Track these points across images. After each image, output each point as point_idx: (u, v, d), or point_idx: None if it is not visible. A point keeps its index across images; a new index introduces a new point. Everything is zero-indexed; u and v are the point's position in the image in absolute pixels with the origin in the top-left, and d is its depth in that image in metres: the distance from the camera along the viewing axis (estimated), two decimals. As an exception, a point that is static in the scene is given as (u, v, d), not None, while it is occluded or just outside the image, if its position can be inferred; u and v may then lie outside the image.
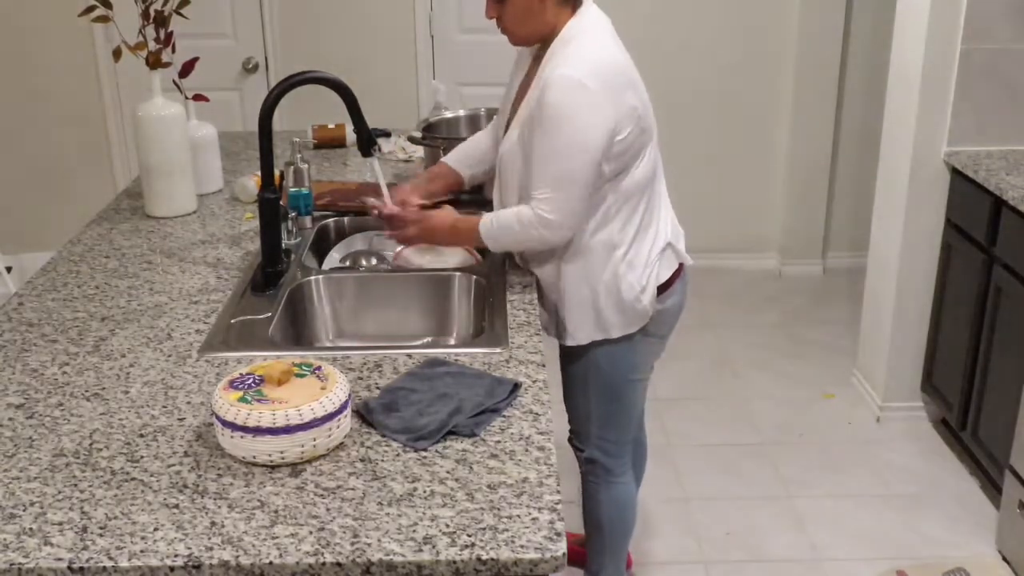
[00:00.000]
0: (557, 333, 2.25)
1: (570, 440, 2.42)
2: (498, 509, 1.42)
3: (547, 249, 2.12)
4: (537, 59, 2.11)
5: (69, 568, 1.31)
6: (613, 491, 2.39)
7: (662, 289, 2.19)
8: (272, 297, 2.13)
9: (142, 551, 1.33)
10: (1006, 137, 3.22)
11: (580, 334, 2.19)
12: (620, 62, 2.05)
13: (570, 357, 2.28)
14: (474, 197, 2.53)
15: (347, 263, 2.43)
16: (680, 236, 2.28)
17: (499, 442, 1.59)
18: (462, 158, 2.40)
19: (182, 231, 2.56)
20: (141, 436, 1.61)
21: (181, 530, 1.38)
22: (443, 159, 2.44)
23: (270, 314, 2.06)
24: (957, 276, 3.25)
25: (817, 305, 4.54)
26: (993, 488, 3.12)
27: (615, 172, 2.05)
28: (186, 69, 2.65)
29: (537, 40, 2.09)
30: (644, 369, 2.29)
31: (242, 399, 1.52)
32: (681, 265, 2.26)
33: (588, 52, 2.00)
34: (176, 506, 1.43)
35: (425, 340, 2.22)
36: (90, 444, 1.59)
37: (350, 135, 3.27)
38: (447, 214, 2.22)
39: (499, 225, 2.11)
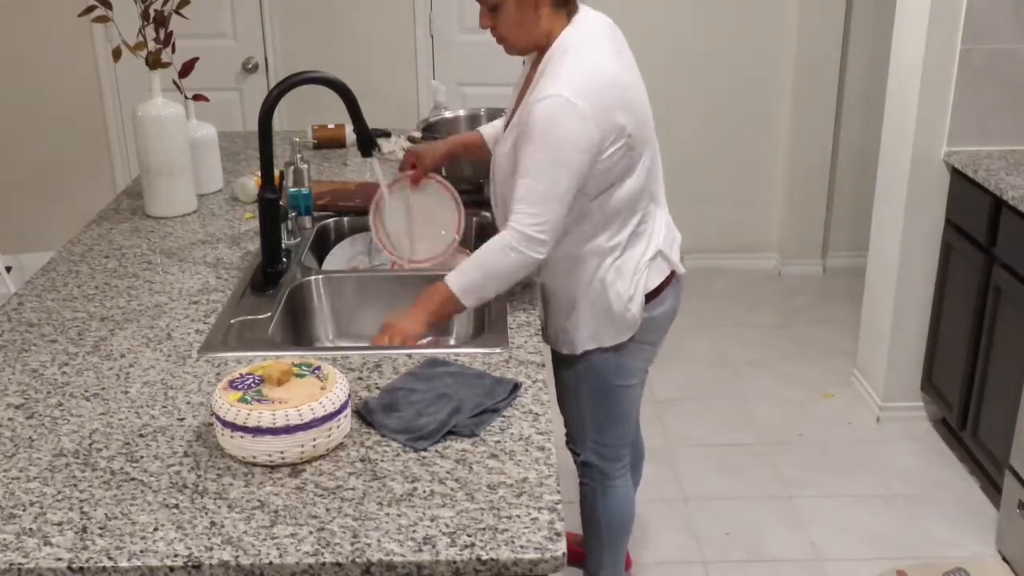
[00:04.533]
0: (550, 340, 2.25)
1: (567, 444, 2.41)
2: (498, 509, 1.42)
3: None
4: (535, 66, 2.08)
5: (69, 568, 1.31)
6: (610, 494, 2.38)
7: (651, 297, 2.17)
8: (272, 297, 2.13)
9: (142, 551, 1.33)
10: (1006, 137, 3.22)
11: (572, 343, 2.19)
12: (614, 77, 1.99)
13: (562, 363, 2.27)
14: (473, 198, 2.52)
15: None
16: (675, 242, 2.24)
17: (499, 442, 1.59)
18: (495, 136, 2.32)
19: (182, 231, 2.56)
20: (141, 436, 1.61)
21: (181, 530, 1.38)
22: (480, 128, 2.39)
23: (270, 314, 2.06)
24: (957, 276, 3.24)
25: (817, 305, 4.54)
26: (993, 488, 3.12)
27: (599, 190, 2.01)
28: (186, 69, 2.65)
29: (533, 48, 2.06)
30: (636, 375, 2.28)
31: (242, 399, 1.52)
32: (673, 272, 2.22)
33: (581, 68, 1.95)
34: (176, 506, 1.43)
35: (425, 340, 2.22)
36: (90, 444, 1.59)
37: (350, 135, 3.27)
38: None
39: (476, 269, 1.98)
